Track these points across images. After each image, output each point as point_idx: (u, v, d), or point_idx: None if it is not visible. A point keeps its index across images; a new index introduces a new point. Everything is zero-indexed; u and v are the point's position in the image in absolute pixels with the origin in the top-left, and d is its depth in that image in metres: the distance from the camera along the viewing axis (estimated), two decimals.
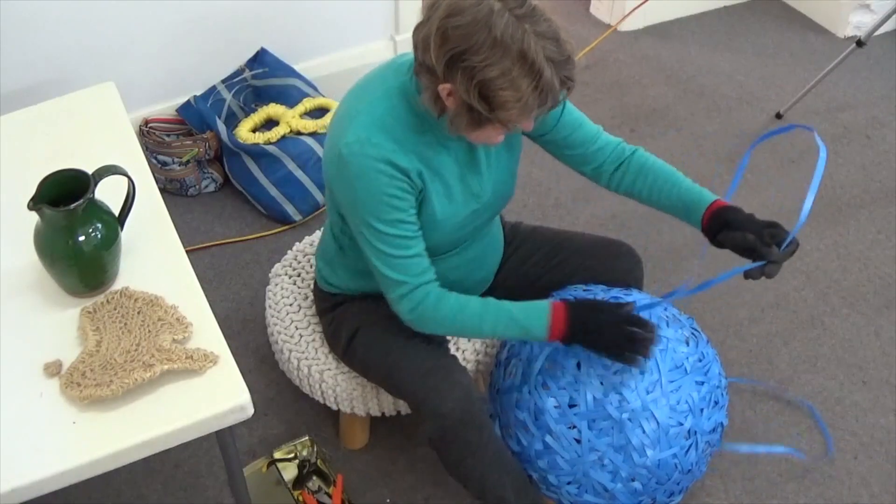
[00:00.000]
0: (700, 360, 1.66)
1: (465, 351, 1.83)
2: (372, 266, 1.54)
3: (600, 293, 1.71)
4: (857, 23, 3.29)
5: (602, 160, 1.71)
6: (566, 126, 1.66)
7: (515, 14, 1.33)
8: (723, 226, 1.58)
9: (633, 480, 1.62)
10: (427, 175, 1.51)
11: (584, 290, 1.74)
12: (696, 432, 1.63)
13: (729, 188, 1.63)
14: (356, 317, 1.72)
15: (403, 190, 1.48)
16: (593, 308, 1.56)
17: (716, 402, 1.68)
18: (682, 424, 1.61)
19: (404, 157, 1.47)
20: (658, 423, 1.59)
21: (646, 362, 1.57)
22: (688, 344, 1.66)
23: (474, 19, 1.32)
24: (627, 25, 3.33)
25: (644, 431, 1.59)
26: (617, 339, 1.53)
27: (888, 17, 2.71)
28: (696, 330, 1.73)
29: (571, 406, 1.61)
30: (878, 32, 2.79)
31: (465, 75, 1.34)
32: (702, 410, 1.64)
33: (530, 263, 1.83)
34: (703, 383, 1.65)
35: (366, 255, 1.54)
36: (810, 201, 1.51)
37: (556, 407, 1.62)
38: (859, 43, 2.72)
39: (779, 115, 2.93)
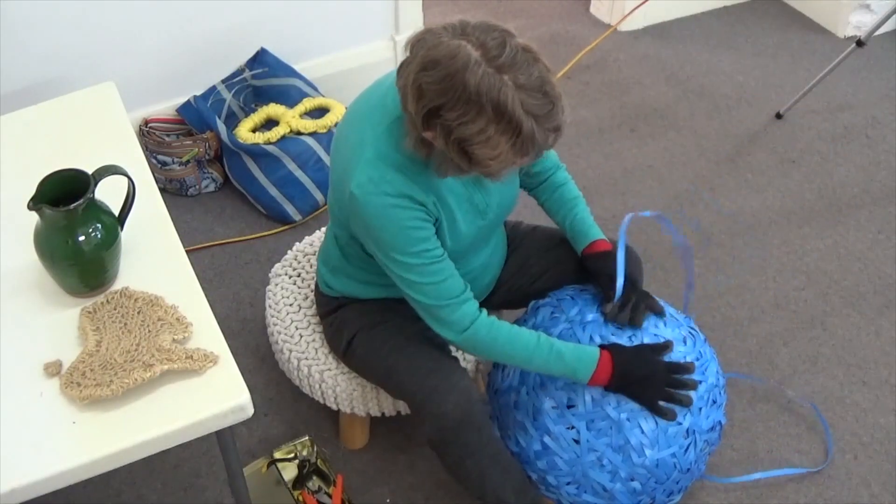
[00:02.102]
0: (698, 360, 1.66)
1: (465, 351, 1.83)
2: (407, 296, 1.54)
3: (598, 293, 1.71)
4: (857, 23, 3.29)
5: (541, 175, 1.77)
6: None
7: (495, 65, 1.27)
8: (588, 269, 1.73)
9: (632, 480, 1.62)
10: (439, 204, 1.51)
11: (582, 290, 1.74)
12: (694, 431, 1.63)
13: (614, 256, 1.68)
14: (357, 318, 1.72)
15: (423, 219, 1.47)
16: (635, 361, 1.58)
17: (714, 401, 1.68)
18: (680, 424, 1.61)
19: (418, 188, 1.46)
20: (656, 422, 1.59)
21: (681, 412, 1.61)
22: (685, 343, 1.66)
23: (448, 73, 1.27)
24: (627, 25, 3.33)
25: (642, 431, 1.59)
26: (655, 393, 1.57)
27: (888, 17, 2.71)
28: (693, 329, 1.73)
29: (569, 407, 1.61)
30: (878, 32, 2.79)
31: (443, 131, 1.32)
32: (700, 409, 1.64)
33: (530, 263, 1.83)
34: (700, 382, 1.65)
35: (399, 287, 1.53)
36: (621, 275, 1.66)
37: (554, 408, 1.62)
38: (859, 43, 2.72)
39: (779, 115, 2.93)
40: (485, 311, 1.55)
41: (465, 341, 1.54)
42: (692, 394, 1.60)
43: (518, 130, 1.29)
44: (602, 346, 1.59)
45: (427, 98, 1.30)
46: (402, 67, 1.35)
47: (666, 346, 1.60)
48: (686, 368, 1.59)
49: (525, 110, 1.28)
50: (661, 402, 1.58)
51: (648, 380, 1.57)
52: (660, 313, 1.68)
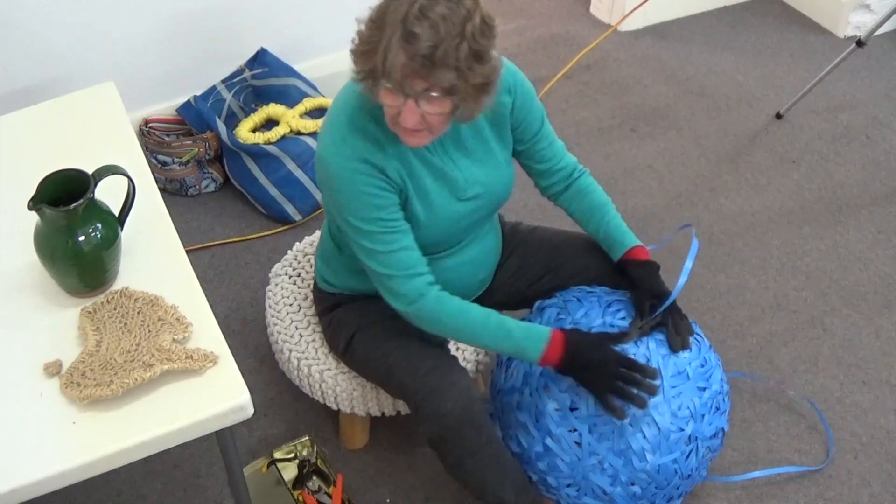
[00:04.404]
0: (702, 366, 1.66)
1: (466, 351, 1.83)
2: (363, 264, 1.57)
3: (604, 296, 1.71)
4: (857, 23, 3.29)
5: (559, 178, 1.76)
6: (544, 138, 1.70)
7: None
8: (627, 276, 1.71)
9: (632, 484, 1.61)
10: (406, 173, 1.52)
11: (589, 292, 1.73)
12: (696, 438, 1.63)
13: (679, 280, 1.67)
14: (355, 318, 1.72)
15: (381, 188, 1.50)
16: (588, 345, 1.57)
17: (717, 408, 1.67)
18: (682, 430, 1.61)
19: (382, 155, 1.49)
20: (659, 428, 1.59)
21: (631, 412, 1.57)
22: (690, 349, 1.66)
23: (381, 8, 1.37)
24: (627, 25, 3.33)
25: (645, 436, 1.58)
26: (604, 384, 1.55)
27: (888, 17, 2.71)
28: (698, 335, 1.72)
29: (572, 409, 1.60)
30: (878, 32, 2.79)
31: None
32: (703, 416, 1.63)
33: (530, 264, 1.83)
34: (704, 389, 1.64)
35: (356, 254, 1.57)
36: (682, 283, 1.63)
37: (556, 410, 1.62)
38: (859, 43, 2.72)
39: (779, 115, 2.94)
40: (437, 287, 1.56)
41: (412, 314, 1.56)
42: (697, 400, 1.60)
43: (382, 30, 1.34)
44: (560, 329, 1.59)
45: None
46: None
47: (624, 335, 1.59)
48: (641, 368, 1.55)
49: (403, 18, 1.32)
50: (615, 399, 1.54)
51: (599, 368, 1.55)
52: (691, 334, 1.66)
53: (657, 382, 1.56)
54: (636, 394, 1.53)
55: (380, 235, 1.51)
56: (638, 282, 1.67)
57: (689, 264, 1.66)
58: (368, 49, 1.37)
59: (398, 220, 1.52)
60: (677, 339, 1.62)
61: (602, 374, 1.55)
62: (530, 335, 1.56)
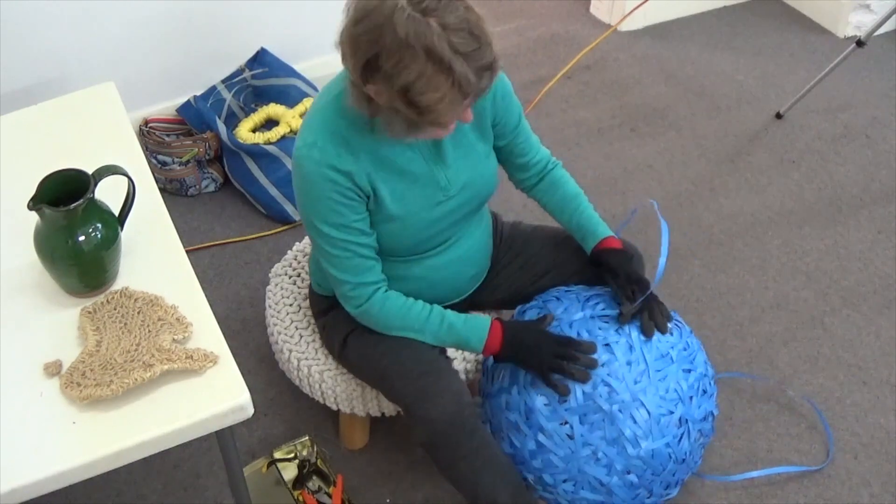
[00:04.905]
0: (685, 349, 1.68)
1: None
2: (321, 264, 1.60)
3: (582, 292, 1.73)
4: (857, 23, 3.29)
5: (534, 171, 1.77)
6: (522, 132, 1.71)
7: (420, 8, 1.29)
8: (602, 265, 1.70)
9: (628, 473, 1.62)
10: (378, 175, 1.52)
11: (567, 290, 1.75)
12: (686, 420, 1.64)
13: (659, 265, 1.67)
14: (347, 321, 1.71)
15: (346, 196, 1.50)
16: (523, 328, 1.63)
17: (704, 391, 1.69)
18: (672, 413, 1.62)
19: (351, 159, 1.49)
20: (648, 412, 1.60)
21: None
22: (672, 334, 1.68)
23: (376, 23, 1.31)
24: (627, 25, 3.33)
25: (635, 422, 1.59)
26: (543, 363, 1.58)
27: (888, 17, 2.71)
28: (678, 321, 1.74)
29: (561, 402, 1.61)
30: (878, 32, 2.79)
31: (385, 82, 1.34)
32: (691, 398, 1.65)
33: (532, 263, 1.83)
34: (690, 371, 1.66)
35: (316, 254, 1.60)
36: (662, 266, 1.65)
37: (546, 404, 1.62)
38: (859, 43, 2.72)
39: (779, 115, 2.94)
40: (383, 290, 1.60)
41: (360, 315, 1.62)
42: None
43: (451, 69, 1.30)
44: (497, 319, 1.64)
45: (362, 49, 1.34)
46: (341, 31, 1.40)
47: (544, 318, 1.64)
48: (577, 344, 1.59)
49: (453, 50, 1.30)
50: (556, 377, 1.58)
51: (536, 348, 1.59)
52: (670, 320, 1.68)
53: (597, 357, 1.59)
54: (577, 369, 1.57)
55: (339, 241, 1.53)
56: (615, 269, 1.68)
57: (664, 247, 1.66)
58: (441, 95, 1.33)
59: (361, 228, 1.54)
60: (650, 325, 1.63)
61: (540, 354, 1.59)
62: (472, 326, 1.61)
